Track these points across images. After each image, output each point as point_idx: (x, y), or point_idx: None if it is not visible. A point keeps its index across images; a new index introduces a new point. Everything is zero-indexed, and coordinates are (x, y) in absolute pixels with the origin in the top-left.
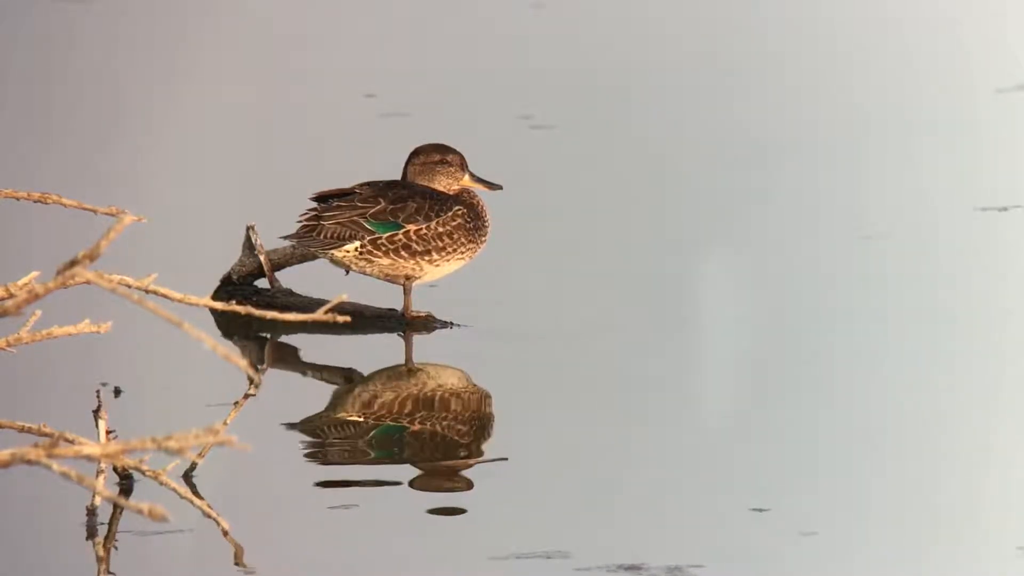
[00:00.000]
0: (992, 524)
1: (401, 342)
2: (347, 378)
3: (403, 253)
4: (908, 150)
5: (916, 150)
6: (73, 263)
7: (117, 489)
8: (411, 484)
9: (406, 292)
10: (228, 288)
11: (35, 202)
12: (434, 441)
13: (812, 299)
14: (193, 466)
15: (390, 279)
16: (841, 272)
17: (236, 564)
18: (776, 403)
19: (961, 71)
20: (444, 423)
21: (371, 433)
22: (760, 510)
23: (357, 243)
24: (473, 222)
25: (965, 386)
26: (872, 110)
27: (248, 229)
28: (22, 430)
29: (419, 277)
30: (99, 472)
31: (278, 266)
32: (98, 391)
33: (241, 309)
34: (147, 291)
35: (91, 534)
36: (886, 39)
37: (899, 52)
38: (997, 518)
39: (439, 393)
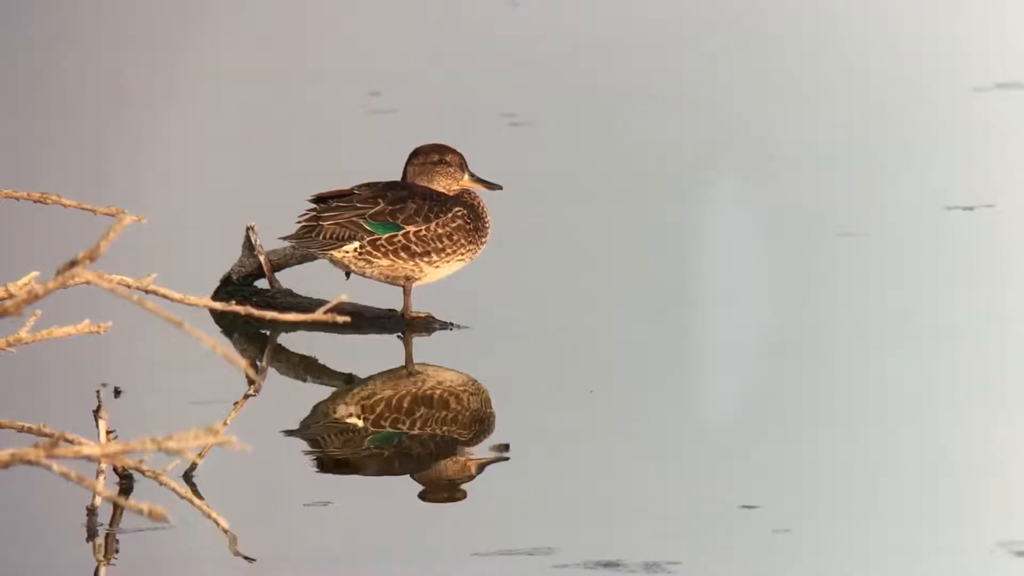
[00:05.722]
0: (979, 522)
1: (401, 343)
2: (347, 378)
3: (402, 254)
4: (886, 148)
5: (894, 148)
6: (73, 263)
7: (117, 489)
8: (408, 483)
9: (406, 293)
10: (228, 288)
11: (35, 202)
12: (432, 441)
13: (802, 298)
14: (193, 466)
15: (390, 280)
16: (824, 270)
17: (235, 563)
18: (772, 401)
19: (941, 70)
20: (443, 423)
21: (369, 433)
22: (749, 507)
23: (356, 244)
24: (473, 223)
25: (953, 383)
26: (852, 108)
27: (248, 229)
28: (22, 430)
29: (419, 278)
30: (99, 472)
31: (278, 266)
32: (98, 391)
33: (241, 309)
34: (147, 291)
35: (91, 534)
36: (866, 37)
37: (879, 50)
38: (983, 516)
39: (438, 393)
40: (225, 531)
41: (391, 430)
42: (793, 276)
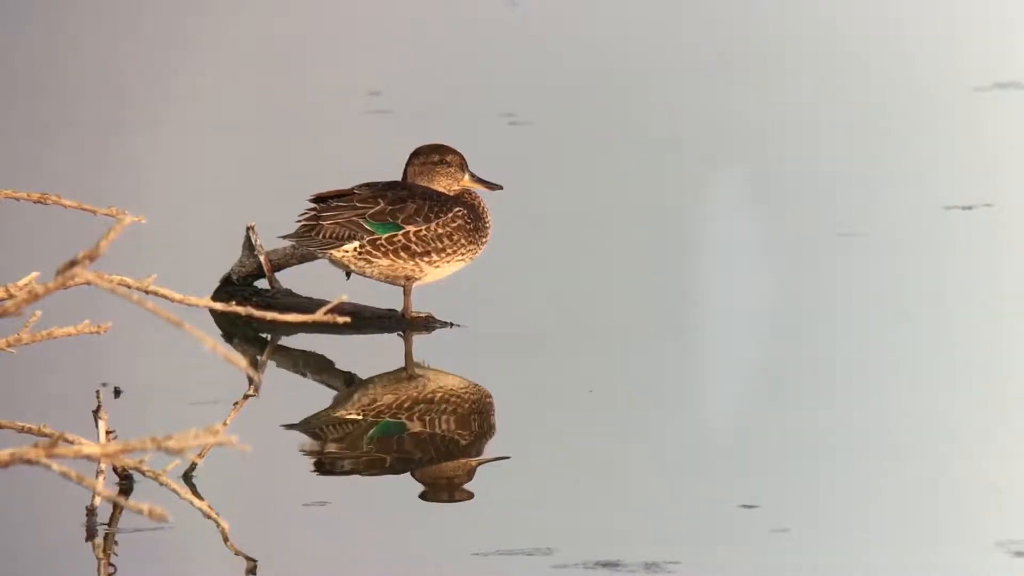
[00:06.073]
0: (978, 522)
1: (401, 343)
2: (347, 379)
3: (402, 254)
4: (886, 148)
5: (894, 148)
6: (73, 263)
7: (117, 489)
8: (408, 483)
9: (406, 293)
10: (228, 288)
11: (35, 202)
12: (432, 441)
13: (802, 298)
14: (193, 466)
15: (390, 280)
16: (824, 270)
17: (235, 563)
18: (771, 401)
19: (941, 70)
20: (442, 423)
21: (369, 433)
22: (749, 507)
23: (356, 243)
24: (473, 223)
25: (953, 382)
26: (852, 108)
27: (248, 229)
28: (22, 430)
29: (419, 278)
30: (99, 472)
31: (278, 266)
32: (98, 391)
33: (241, 310)
34: (147, 291)
35: (91, 534)
36: (866, 37)
37: (879, 50)
38: (983, 516)
39: (438, 393)
40: (226, 536)
41: (390, 420)
42: (793, 276)
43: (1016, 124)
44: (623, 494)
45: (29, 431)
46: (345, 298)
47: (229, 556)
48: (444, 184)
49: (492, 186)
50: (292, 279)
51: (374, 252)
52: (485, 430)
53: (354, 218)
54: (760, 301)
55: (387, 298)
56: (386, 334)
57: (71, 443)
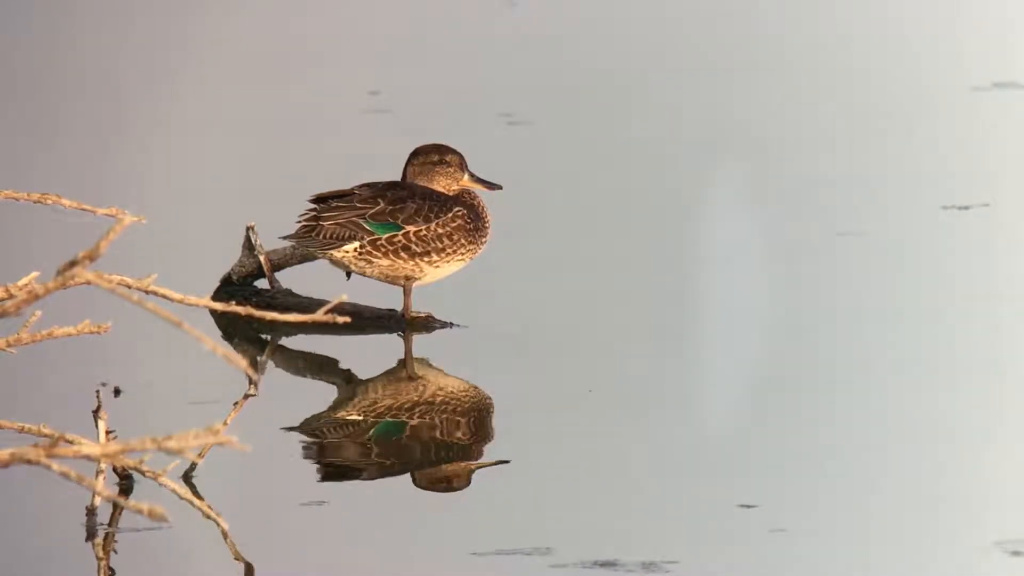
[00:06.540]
0: (976, 521)
1: (401, 343)
2: (347, 379)
3: (402, 254)
4: (886, 148)
5: (894, 148)
6: (73, 263)
7: (117, 489)
8: (407, 483)
9: (406, 293)
10: (228, 288)
11: (35, 202)
12: (432, 442)
13: (802, 297)
14: (193, 466)
15: (390, 280)
16: (824, 270)
17: (235, 563)
18: (771, 401)
19: (940, 70)
20: (442, 423)
21: (369, 434)
22: (748, 507)
23: (356, 244)
24: (473, 223)
25: (953, 382)
26: (851, 108)
27: (248, 229)
28: (22, 430)
29: (419, 278)
30: (99, 472)
31: (278, 266)
32: (98, 391)
33: (241, 310)
34: (147, 291)
35: (91, 534)
36: (864, 36)
37: (879, 50)
38: (981, 516)
39: (438, 394)
40: (225, 536)
41: (390, 419)
42: (793, 276)
43: (1015, 124)
44: (622, 494)
45: (29, 431)
46: (345, 298)
47: (229, 556)
48: (444, 184)
49: (492, 186)
50: (292, 279)
51: (374, 252)
52: (484, 430)
53: (354, 218)
54: (759, 301)
55: (387, 298)
56: (386, 334)
57: (71, 443)
